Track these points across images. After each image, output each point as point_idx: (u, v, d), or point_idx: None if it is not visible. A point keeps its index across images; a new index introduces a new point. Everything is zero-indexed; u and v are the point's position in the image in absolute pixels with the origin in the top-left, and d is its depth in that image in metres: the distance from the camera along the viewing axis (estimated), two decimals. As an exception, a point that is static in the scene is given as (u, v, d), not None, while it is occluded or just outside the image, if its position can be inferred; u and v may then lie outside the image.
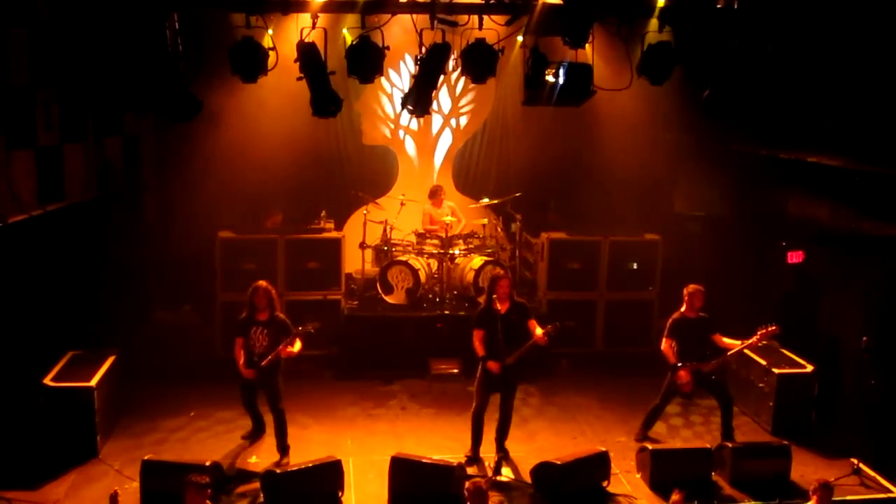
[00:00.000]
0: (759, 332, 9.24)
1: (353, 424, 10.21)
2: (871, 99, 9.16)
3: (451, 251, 12.38)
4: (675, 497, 7.26)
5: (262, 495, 8.21)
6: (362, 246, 12.63)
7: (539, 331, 8.90)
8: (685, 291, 9.47)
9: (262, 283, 9.07)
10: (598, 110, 11.36)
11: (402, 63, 13.40)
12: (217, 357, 11.16)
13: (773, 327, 9.21)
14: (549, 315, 11.94)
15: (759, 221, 12.04)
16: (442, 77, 8.96)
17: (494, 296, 9.02)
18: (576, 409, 10.81)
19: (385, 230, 12.64)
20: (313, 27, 8.39)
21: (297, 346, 8.92)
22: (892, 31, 8.11)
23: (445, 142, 14.24)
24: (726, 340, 9.40)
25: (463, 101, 14.10)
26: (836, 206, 10.50)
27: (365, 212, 12.76)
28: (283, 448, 9.15)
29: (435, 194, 13.08)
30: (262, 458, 9.21)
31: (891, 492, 8.80)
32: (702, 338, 9.44)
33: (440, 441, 9.72)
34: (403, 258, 12.29)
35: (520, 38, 8.43)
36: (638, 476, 9.09)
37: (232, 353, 9.10)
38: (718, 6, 8.76)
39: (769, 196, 11.78)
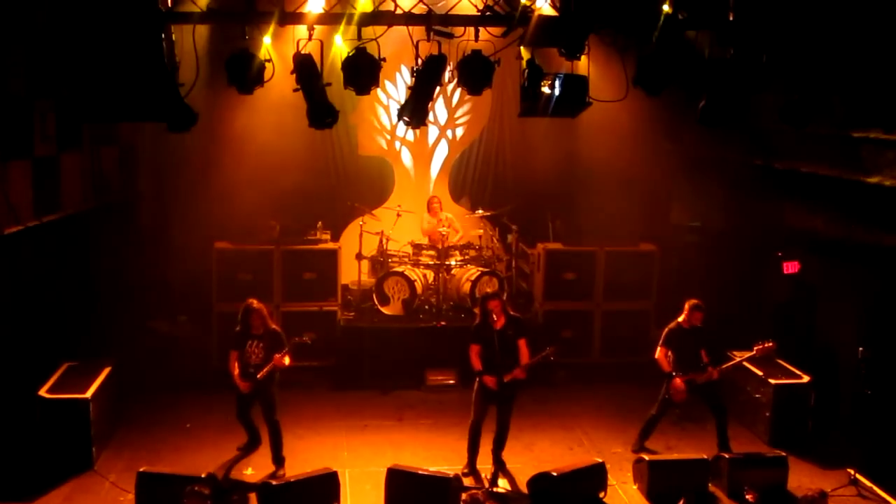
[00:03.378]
0: (755, 348, 9.27)
1: (350, 435, 10.20)
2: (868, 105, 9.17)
3: (447, 262, 12.38)
4: None
5: (258, 507, 8.20)
6: (359, 257, 12.63)
7: (521, 367, 8.94)
8: (686, 305, 9.48)
9: (254, 303, 9.04)
10: (594, 121, 11.33)
11: (398, 74, 13.43)
12: (213, 368, 11.12)
13: (770, 343, 9.23)
14: (546, 326, 11.98)
15: (755, 231, 12.05)
16: (438, 88, 8.97)
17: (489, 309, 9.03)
18: (572, 419, 10.81)
19: (381, 241, 12.65)
20: (310, 39, 8.40)
21: (288, 358, 8.92)
22: (886, 39, 8.14)
23: (442, 153, 14.26)
24: (706, 360, 9.43)
25: (459, 113, 14.13)
26: (831, 216, 10.51)
27: (361, 223, 12.76)
28: (279, 459, 9.14)
29: (430, 205, 13.12)
30: (257, 469, 9.19)
31: (888, 502, 8.79)
32: (697, 348, 9.46)
33: (437, 452, 9.71)
34: (400, 269, 12.30)
35: (522, 49, 8.44)
36: (635, 487, 9.09)
37: (227, 364, 9.08)
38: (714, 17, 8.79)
39: (765, 206, 11.80)
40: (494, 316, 8.95)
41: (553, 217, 13.15)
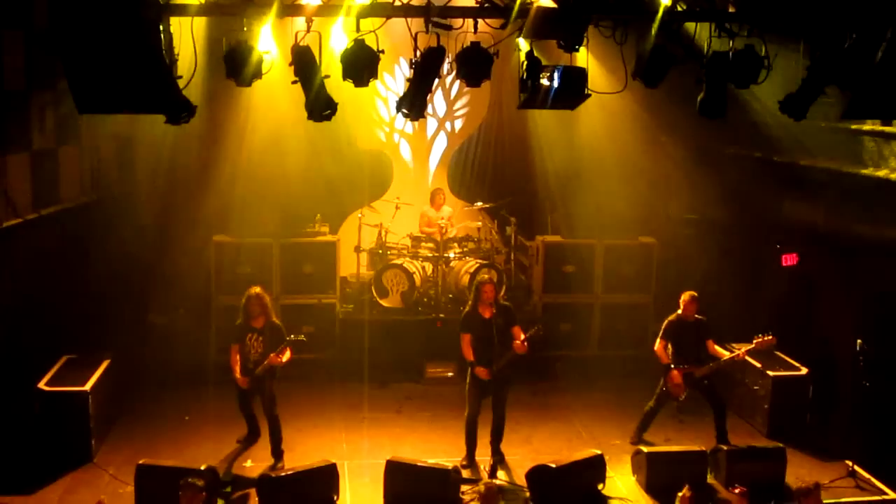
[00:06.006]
0: (755, 341, 9.27)
1: (349, 428, 10.21)
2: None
3: (446, 254, 12.38)
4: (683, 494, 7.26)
5: (257, 499, 8.20)
6: (357, 249, 12.63)
7: (518, 340, 8.91)
8: (682, 296, 9.49)
9: (256, 289, 9.10)
10: (592, 113, 11.37)
11: (396, 67, 13.41)
12: (212, 361, 11.14)
13: (770, 337, 9.23)
14: (545, 318, 11.95)
15: (753, 224, 12.06)
16: (437, 81, 8.96)
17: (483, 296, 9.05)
18: (571, 412, 10.83)
19: (380, 234, 12.65)
20: (308, 31, 8.38)
21: (286, 355, 8.95)
22: (885, 30, 8.14)
23: (440, 145, 14.26)
24: (717, 348, 9.45)
25: (458, 105, 14.13)
26: (830, 209, 10.52)
27: (360, 215, 12.76)
28: (278, 452, 9.16)
29: (434, 196, 13.13)
30: (256, 462, 9.21)
31: (886, 494, 8.81)
32: (697, 341, 9.48)
33: (435, 444, 9.73)
34: (398, 262, 12.29)
35: (520, 41, 8.43)
36: (633, 479, 9.11)
37: (227, 357, 9.09)
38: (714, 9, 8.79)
39: (764, 199, 11.80)
40: (487, 304, 8.96)
41: (552, 210, 13.16)
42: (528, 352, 8.99)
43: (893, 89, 7.90)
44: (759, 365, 10.27)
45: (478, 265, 12.12)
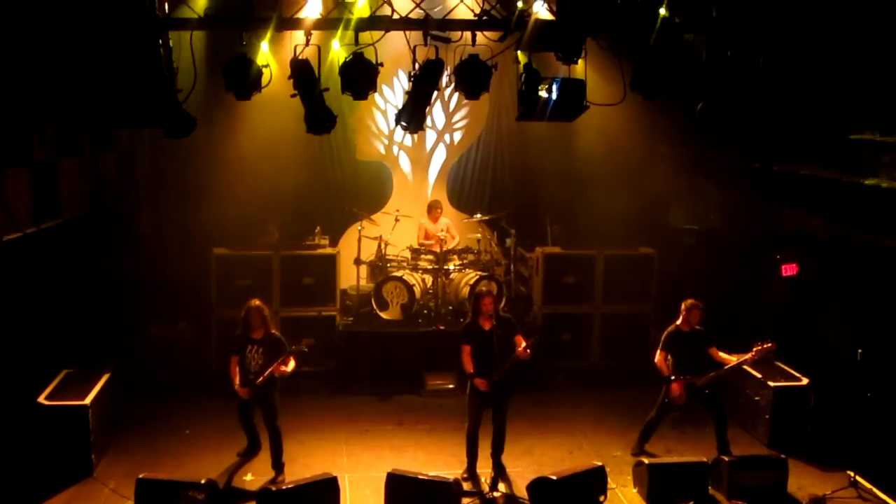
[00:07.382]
0: (755, 349, 9.25)
1: (349, 441, 10.19)
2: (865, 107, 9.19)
3: (445, 266, 12.38)
4: None
5: (257, 513, 8.19)
6: (357, 262, 12.63)
7: (521, 346, 8.89)
8: (683, 305, 9.49)
9: (255, 301, 9.10)
10: (591, 125, 11.39)
11: (395, 79, 13.45)
12: (212, 374, 11.12)
13: (770, 344, 9.21)
14: (546, 329, 11.96)
15: (753, 234, 12.06)
16: (436, 93, 8.99)
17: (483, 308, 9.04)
18: (572, 423, 10.80)
19: (380, 246, 12.66)
20: (307, 44, 8.42)
21: (291, 365, 8.94)
22: (881, 40, 8.18)
23: (439, 157, 14.27)
24: (722, 355, 9.43)
25: (457, 117, 14.14)
26: (830, 218, 10.52)
27: (360, 228, 12.77)
28: (279, 465, 9.13)
29: (431, 209, 13.15)
30: (257, 475, 9.18)
31: (888, 504, 8.81)
32: (697, 351, 9.46)
33: (436, 456, 9.72)
34: (398, 274, 12.30)
35: (519, 53, 8.47)
36: (635, 490, 9.08)
37: (227, 369, 9.08)
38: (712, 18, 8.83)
39: (763, 209, 11.81)
40: (487, 316, 8.96)
41: (551, 221, 13.16)
42: (530, 357, 8.96)
43: (892, 99, 7.94)
44: (760, 375, 10.26)
45: (477, 277, 12.12)
